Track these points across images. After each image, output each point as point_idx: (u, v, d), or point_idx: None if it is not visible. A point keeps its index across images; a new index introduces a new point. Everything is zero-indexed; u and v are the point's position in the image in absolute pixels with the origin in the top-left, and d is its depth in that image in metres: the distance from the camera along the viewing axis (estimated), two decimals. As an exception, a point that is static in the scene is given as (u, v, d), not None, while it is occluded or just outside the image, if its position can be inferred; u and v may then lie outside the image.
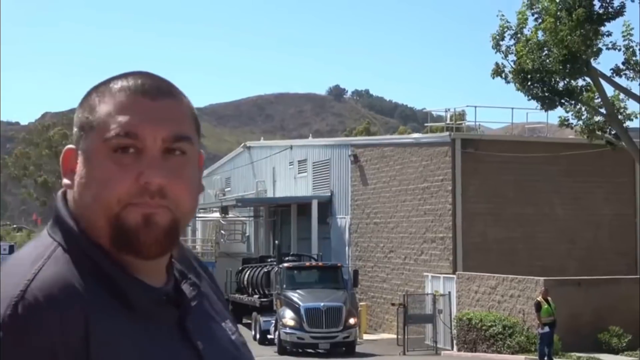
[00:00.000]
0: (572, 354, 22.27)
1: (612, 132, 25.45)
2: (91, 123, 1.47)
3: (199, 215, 47.46)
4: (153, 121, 1.45)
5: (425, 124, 40.68)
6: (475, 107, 33.58)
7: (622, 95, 25.01)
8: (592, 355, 22.24)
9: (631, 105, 27.44)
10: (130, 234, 1.42)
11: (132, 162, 1.43)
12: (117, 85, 1.49)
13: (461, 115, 37.13)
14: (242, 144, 50.92)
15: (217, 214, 44.05)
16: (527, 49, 24.02)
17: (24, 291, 1.35)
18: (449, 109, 36.44)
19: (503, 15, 24.81)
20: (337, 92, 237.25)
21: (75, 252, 1.44)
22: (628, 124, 25.76)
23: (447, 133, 30.17)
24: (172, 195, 1.44)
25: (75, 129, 1.50)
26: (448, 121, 34.57)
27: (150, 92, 1.47)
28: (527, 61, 23.80)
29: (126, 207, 1.42)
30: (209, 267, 1.77)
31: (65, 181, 1.50)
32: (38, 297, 1.35)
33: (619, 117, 24.95)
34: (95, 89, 1.51)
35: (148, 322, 1.44)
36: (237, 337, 1.61)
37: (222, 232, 44.29)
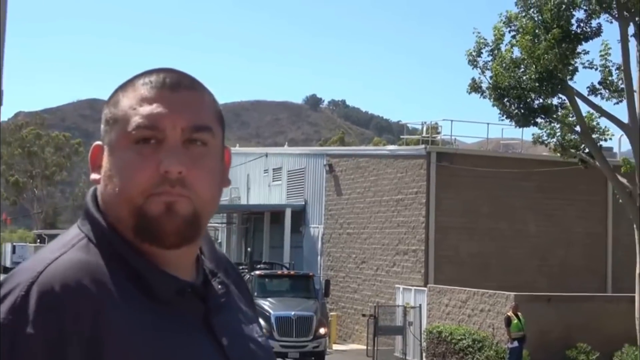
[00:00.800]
0: (540, 369, 22.38)
1: (586, 151, 25.67)
2: (115, 117, 1.50)
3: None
4: (173, 111, 1.47)
5: (401, 136, 40.80)
6: (452, 121, 33.78)
7: (596, 114, 25.25)
8: (559, 371, 22.37)
9: (605, 124, 27.70)
10: (152, 223, 1.43)
11: (153, 152, 1.45)
12: (140, 80, 1.52)
13: (437, 129, 37.32)
14: (217, 150, 50.70)
15: (189, 220, 43.84)
16: (503, 66, 24.20)
17: (40, 272, 1.37)
18: (424, 122, 36.60)
19: (479, 33, 25.01)
20: (313, 102, 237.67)
21: (100, 243, 1.45)
22: (602, 142, 26.02)
23: (423, 146, 30.28)
24: (192, 185, 1.45)
25: (102, 126, 1.53)
26: (424, 134, 34.69)
27: (171, 85, 1.50)
28: (504, 78, 23.98)
29: (149, 197, 1.43)
30: (239, 271, 1.78)
31: (93, 176, 1.52)
32: (53, 280, 1.36)
33: (593, 135, 25.18)
34: (121, 86, 1.55)
35: (173, 312, 1.45)
36: (264, 339, 1.63)
37: (194, 237, 44.07)
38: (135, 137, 1.45)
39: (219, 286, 1.56)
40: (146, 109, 1.46)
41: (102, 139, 1.52)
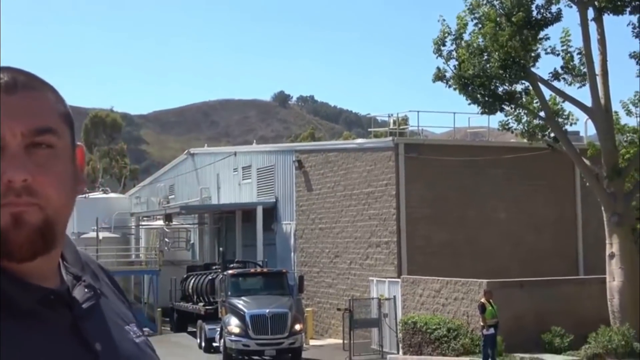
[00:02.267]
0: (516, 355, 22.53)
1: (552, 136, 25.87)
2: None
3: (143, 223, 46.99)
4: (9, 116, 1.38)
5: (370, 129, 40.84)
6: (418, 112, 33.99)
7: (560, 99, 25.46)
8: (535, 355, 22.53)
9: (570, 109, 27.97)
10: (0, 236, 1.36)
11: None
12: None
13: (404, 120, 37.36)
14: (186, 151, 50.54)
15: (160, 222, 43.63)
16: (468, 54, 24.31)
17: None
18: (392, 114, 36.66)
19: (444, 20, 25.09)
20: (282, 98, 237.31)
21: None
22: (567, 127, 26.23)
23: (391, 138, 30.35)
24: (40, 191, 1.38)
25: None
26: (391, 126, 34.75)
27: (6, 87, 1.41)
28: (468, 66, 24.09)
29: None
30: (110, 273, 1.73)
31: None
32: None
33: (558, 120, 25.37)
34: None
35: (38, 324, 1.38)
36: (142, 340, 1.56)
37: (166, 239, 43.90)
38: None
39: (86, 290, 1.49)
40: None
41: None
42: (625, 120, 26.71)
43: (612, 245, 23.61)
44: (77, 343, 1.41)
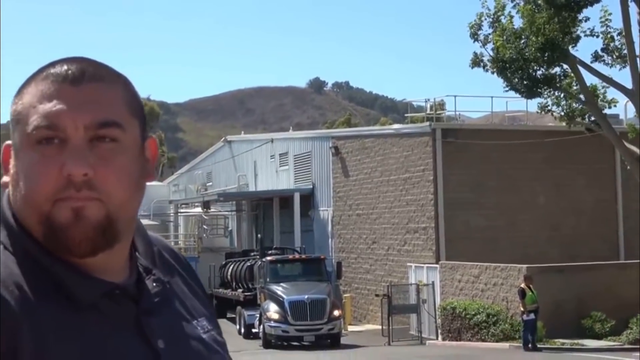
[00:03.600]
0: (556, 340, 22.38)
1: (592, 119, 25.55)
2: (18, 115, 1.40)
3: (182, 210, 47.33)
4: (73, 108, 1.36)
5: (406, 115, 40.67)
6: (455, 96, 33.65)
7: (601, 83, 25.12)
8: (575, 341, 22.36)
9: (611, 92, 27.66)
10: (59, 232, 1.34)
11: (56, 153, 1.34)
12: (44, 73, 1.41)
13: (441, 105, 37.23)
14: (223, 138, 50.73)
15: (199, 209, 43.90)
16: (504, 38, 24.07)
17: None
18: (428, 99, 36.45)
19: (485, 1, 24.80)
20: (317, 85, 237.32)
21: (16, 250, 1.36)
22: (607, 110, 25.89)
23: (428, 123, 30.20)
24: (101, 186, 1.35)
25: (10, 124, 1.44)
26: (428, 111, 34.59)
27: (73, 78, 1.38)
28: (505, 50, 23.85)
29: (56, 203, 1.34)
30: (190, 262, 1.68)
31: (4, 179, 1.42)
32: None
33: (598, 103, 25.05)
34: (27, 79, 1.44)
35: (100, 318, 1.36)
36: (210, 335, 1.52)
37: (205, 227, 44.15)
38: (36, 138, 1.35)
39: (154, 284, 1.45)
40: (45, 107, 1.35)
41: (12, 138, 1.41)
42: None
43: (654, 229, 23.28)
44: (139, 339, 1.38)
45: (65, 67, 1.40)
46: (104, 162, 1.35)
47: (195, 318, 1.52)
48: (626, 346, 21.94)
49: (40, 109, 1.36)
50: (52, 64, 1.42)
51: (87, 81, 1.38)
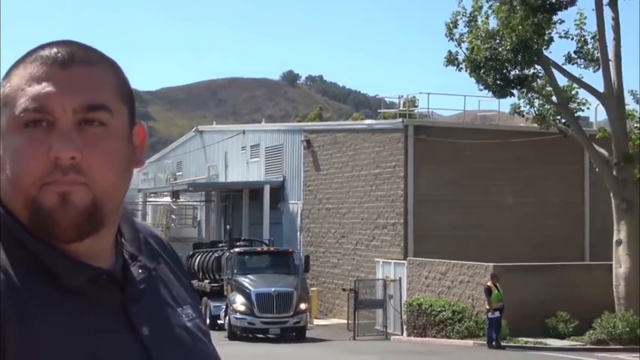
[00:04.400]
0: (520, 338, 22.55)
1: (563, 121, 25.75)
2: (6, 98, 1.37)
3: (150, 199, 47.06)
4: (61, 91, 1.34)
5: (379, 111, 40.77)
6: (428, 94, 33.79)
7: (574, 85, 25.31)
8: (539, 340, 22.56)
9: (582, 95, 27.87)
10: (46, 216, 1.32)
11: (44, 136, 1.32)
12: (32, 56, 1.39)
13: (414, 102, 37.26)
14: (194, 128, 50.51)
15: (168, 199, 43.69)
16: (479, 40, 24.17)
17: None
18: (401, 96, 36.56)
19: (461, 1, 24.87)
20: (290, 78, 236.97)
21: (5, 235, 1.34)
22: (579, 113, 26.08)
23: (400, 120, 30.26)
24: (87, 170, 1.33)
25: None
26: (401, 108, 34.65)
27: (62, 61, 1.36)
28: (480, 52, 23.94)
29: (42, 187, 1.32)
30: (172, 248, 1.66)
31: None
32: None
33: (570, 105, 25.25)
34: (16, 62, 1.42)
35: (87, 304, 1.35)
36: (194, 324, 1.51)
37: (173, 216, 43.97)
38: (24, 121, 1.33)
39: (140, 271, 1.44)
40: (34, 89, 1.34)
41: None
42: (632, 107, 26.61)
43: (620, 232, 23.56)
44: (124, 325, 1.38)
45: (54, 49, 1.38)
46: (92, 146, 1.34)
47: (181, 306, 1.51)
48: (588, 346, 22.18)
49: (28, 91, 1.34)
50: (42, 47, 1.40)
51: (76, 64, 1.37)
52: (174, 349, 1.43)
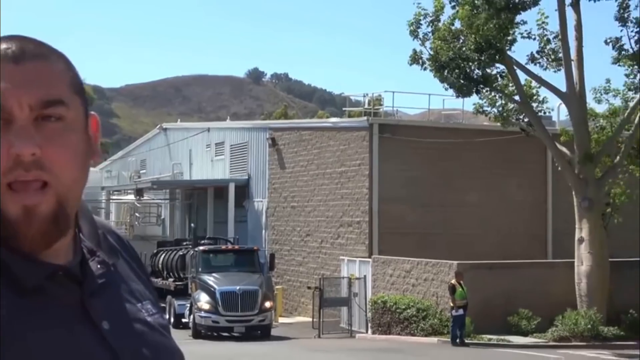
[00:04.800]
0: (484, 336, 22.73)
1: (526, 120, 25.98)
2: None
3: (114, 197, 46.67)
4: (17, 87, 1.32)
5: (344, 109, 40.82)
6: (393, 92, 33.81)
7: (535, 83, 25.55)
8: (502, 337, 22.75)
9: (545, 94, 28.14)
10: (9, 226, 1.32)
11: (4, 133, 1.31)
12: None
13: (379, 101, 37.39)
14: (158, 126, 50.18)
15: (131, 197, 43.37)
16: (442, 40, 24.27)
17: None
18: (367, 94, 36.64)
19: (420, 4, 24.98)
20: (256, 75, 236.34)
21: None
22: (542, 112, 26.33)
23: (365, 118, 30.33)
24: (50, 165, 1.33)
25: None
26: (366, 106, 34.74)
27: (14, 57, 1.35)
28: (444, 52, 24.04)
29: (5, 192, 1.31)
30: (130, 244, 1.67)
31: None
32: None
33: (533, 104, 25.48)
34: None
35: (46, 301, 1.34)
36: (155, 319, 1.51)
37: (137, 214, 43.67)
38: None
39: (98, 266, 1.44)
40: None
41: None
42: (594, 106, 26.97)
43: (582, 230, 23.83)
44: (85, 321, 1.37)
45: (4, 45, 1.36)
46: (52, 141, 1.33)
47: (140, 301, 1.51)
48: (551, 343, 22.42)
49: None
50: None
51: (29, 59, 1.36)
52: (136, 343, 1.43)
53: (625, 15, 23.64)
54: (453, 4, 24.69)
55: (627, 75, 25.05)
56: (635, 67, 24.41)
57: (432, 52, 24.56)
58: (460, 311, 22.07)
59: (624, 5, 23.70)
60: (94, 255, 1.46)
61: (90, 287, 1.40)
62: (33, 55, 1.36)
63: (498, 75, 25.18)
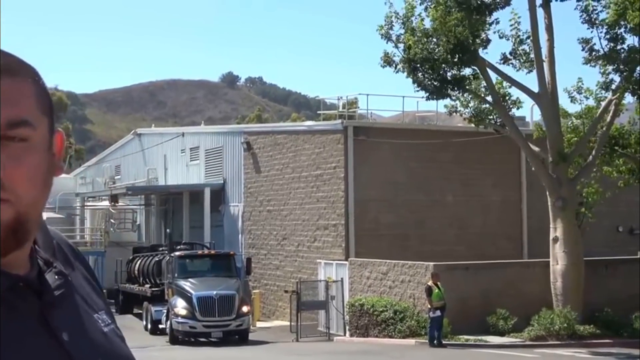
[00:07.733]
0: (461, 336, 22.80)
1: (499, 121, 26.11)
2: None
3: (88, 203, 46.34)
4: None
5: (319, 112, 40.80)
6: (367, 95, 33.84)
7: (505, 82, 25.67)
8: (480, 337, 22.84)
9: (517, 95, 28.30)
10: None
11: None
12: None
13: (354, 103, 37.40)
14: (133, 131, 49.92)
15: (106, 203, 43.08)
16: (415, 38, 24.30)
17: None
18: (341, 97, 36.62)
19: (391, 5, 24.99)
20: (230, 79, 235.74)
21: None
22: (514, 112, 26.49)
23: (340, 121, 30.36)
24: (11, 186, 1.30)
25: None
26: (340, 109, 34.74)
27: None
28: (416, 49, 24.07)
29: None
30: (84, 256, 1.66)
31: None
32: None
33: (505, 105, 25.61)
34: None
35: (7, 313, 1.33)
36: (110, 329, 1.51)
37: (112, 220, 43.38)
38: None
39: (56, 277, 1.42)
40: None
41: None
42: (567, 106, 27.15)
43: (556, 229, 23.98)
44: (45, 332, 1.36)
45: None
46: (14, 162, 1.31)
47: (96, 312, 1.51)
48: (527, 342, 22.54)
49: None
50: None
51: None
52: (95, 354, 1.42)
53: (593, 18, 23.81)
54: (424, 5, 24.73)
55: (601, 74, 25.05)
56: (607, 66, 24.59)
57: (405, 51, 24.50)
58: (438, 312, 22.13)
59: (589, 9, 23.84)
60: (50, 266, 1.44)
61: (49, 298, 1.39)
62: (1, 71, 1.33)
63: (471, 77, 25.29)
